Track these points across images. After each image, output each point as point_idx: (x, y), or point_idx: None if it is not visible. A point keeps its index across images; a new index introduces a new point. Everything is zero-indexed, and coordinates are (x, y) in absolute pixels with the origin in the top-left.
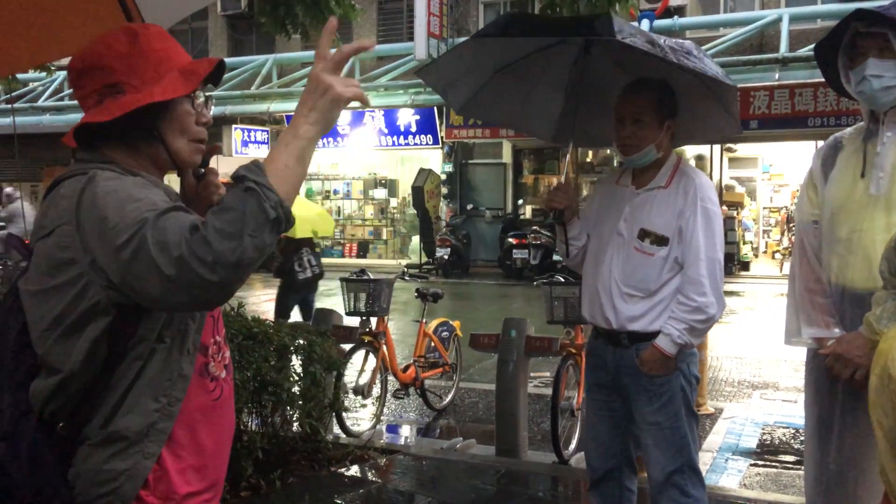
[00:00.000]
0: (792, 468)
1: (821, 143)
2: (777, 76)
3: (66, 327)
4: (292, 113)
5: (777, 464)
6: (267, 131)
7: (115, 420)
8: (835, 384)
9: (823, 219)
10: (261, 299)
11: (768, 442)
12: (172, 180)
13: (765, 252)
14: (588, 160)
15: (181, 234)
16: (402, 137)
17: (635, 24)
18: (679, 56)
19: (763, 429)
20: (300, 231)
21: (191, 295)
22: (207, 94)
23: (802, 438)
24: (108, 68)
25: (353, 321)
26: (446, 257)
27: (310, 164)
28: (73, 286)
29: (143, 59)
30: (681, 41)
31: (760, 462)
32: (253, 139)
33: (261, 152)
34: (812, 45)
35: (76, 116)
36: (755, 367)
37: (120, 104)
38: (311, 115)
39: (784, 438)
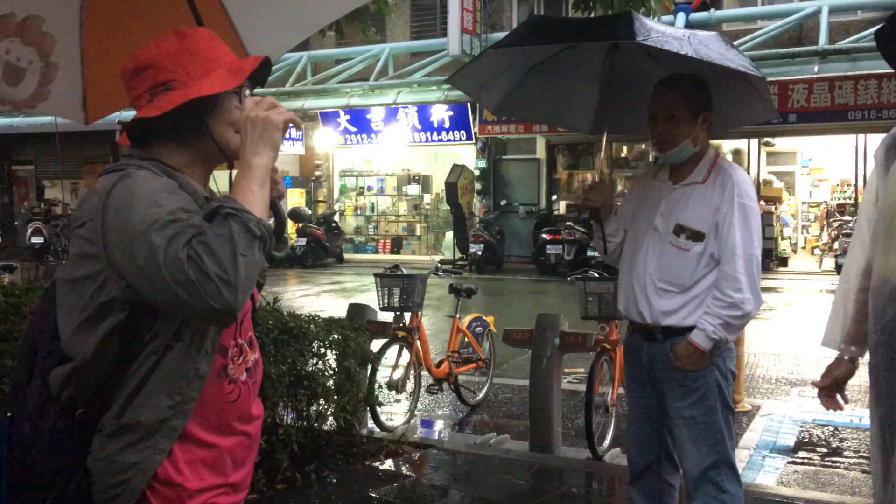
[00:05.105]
0: (830, 466)
1: (861, 137)
2: (816, 69)
3: (85, 319)
4: (327, 109)
5: (815, 462)
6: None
7: (129, 412)
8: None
9: (879, 213)
10: (295, 295)
11: (806, 440)
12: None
13: (803, 248)
14: (623, 155)
15: (181, 258)
16: (435, 133)
17: (670, 17)
18: (702, 51)
19: (801, 426)
20: None
21: (195, 313)
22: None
23: (841, 436)
24: (159, 67)
25: (387, 316)
26: (480, 253)
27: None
28: (94, 280)
29: (192, 56)
30: (706, 33)
31: (798, 460)
32: (287, 136)
33: (295, 149)
34: (852, 38)
35: (115, 115)
36: (793, 364)
37: (169, 99)
38: (258, 147)
39: (822, 436)
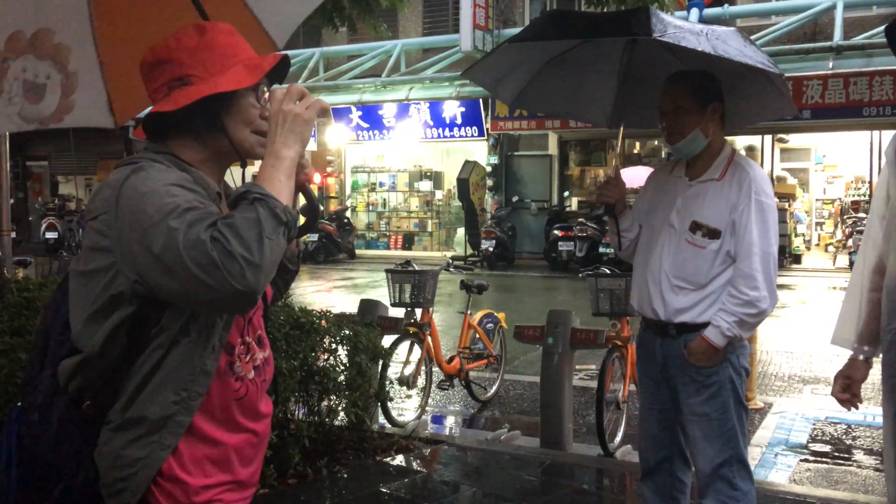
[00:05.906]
0: (843, 464)
1: (876, 133)
2: (831, 65)
3: (94, 311)
4: (339, 106)
5: (828, 459)
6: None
7: (135, 406)
8: None
9: (891, 211)
10: (307, 290)
11: (819, 437)
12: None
13: (817, 245)
14: (635, 151)
15: (204, 239)
16: (447, 130)
17: (683, 13)
18: (720, 47)
19: (813, 424)
20: None
21: (214, 297)
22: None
23: (854, 434)
24: (177, 61)
25: (399, 312)
26: (491, 249)
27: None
28: (105, 273)
29: (210, 52)
30: (724, 29)
31: (811, 457)
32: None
33: (308, 145)
34: (867, 33)
35: None
36: (806, 362)
37: (186, 94)
38: (289, 139)
39: (835, 434)
